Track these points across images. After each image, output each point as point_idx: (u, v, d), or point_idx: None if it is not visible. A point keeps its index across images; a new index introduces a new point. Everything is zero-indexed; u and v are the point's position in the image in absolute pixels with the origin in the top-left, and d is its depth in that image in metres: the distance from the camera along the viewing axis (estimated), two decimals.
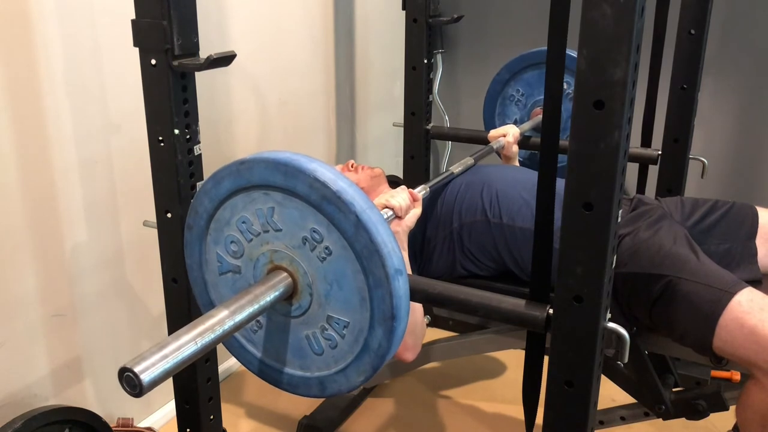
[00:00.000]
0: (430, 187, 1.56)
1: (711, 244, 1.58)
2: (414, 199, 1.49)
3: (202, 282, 1.11)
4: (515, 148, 1.99)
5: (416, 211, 1.49)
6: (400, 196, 1.46)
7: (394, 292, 0.91)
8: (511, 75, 2.35)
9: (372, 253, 0.90)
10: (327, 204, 0.92)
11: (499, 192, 1.63)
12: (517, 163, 2.04)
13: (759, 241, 1.57)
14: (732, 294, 1.31)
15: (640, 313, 1.41)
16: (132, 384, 0.78)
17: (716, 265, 1.41)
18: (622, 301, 1.42)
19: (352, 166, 1.80)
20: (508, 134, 1.98)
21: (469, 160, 1.76)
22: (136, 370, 0.78)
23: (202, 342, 0.85)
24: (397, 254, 0.92)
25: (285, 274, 0.99)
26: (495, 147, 1.94)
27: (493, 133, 2.02)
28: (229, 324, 0.89)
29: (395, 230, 1.42)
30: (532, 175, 1.65)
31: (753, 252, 1.56)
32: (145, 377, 0.78)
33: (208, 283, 1.10)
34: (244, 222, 1.01)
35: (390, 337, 0.93)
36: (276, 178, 0.95)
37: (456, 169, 1.70)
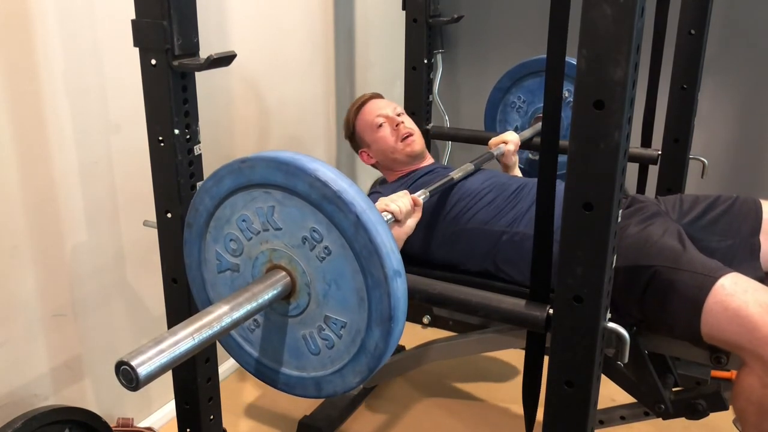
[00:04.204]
0: (430, 192, 1.56)
1: (712, 241, 1.57)
2: (415, 204, 1.49)
3: (201, 280, 1.11)
4: (515, 156, 2.00)
5: (416, 217, 1.49)
6: (401, 201, 1.46)
7: (392, 293, 0.91)
8: (512, 82, 2.35)
9: (371, 253, 0.90)
10: (327, 203, 0.92)
11: (497, 200, 1.65)
12: (518, 171, 2.04)
13: (763, 237, 1.56)
14: (715, 278, 1.31)
15: (634, 309, 1.41)
16: (128, 377, 0.78)
17: (702, 255, 1.41)
18: (615, 297, 1.42)
19: (396, 126, 1.86)
20: (509, 142, 1.98)
21: (469, 166, 1.76)
22: (133, 363, 0.78)
23: (199, 338, 0.86)
24: (396, 255, 0.92)
25: (284, 273, 0.99)
26: (495, 153, 1.95)
27: (493, 140, 2.02)
28: (226, 321, 0.90)
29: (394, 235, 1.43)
30: (533, 185, 1.67)
31: (756, 248, 1.55)
32: (142, 371, 0.78)
33: (206, 281, 1.10)
34: (244, 220, 1.01)
35: (387, 338, 0.93)
36: (277, 177, 0.95)
37: (456, 174, 1.70)
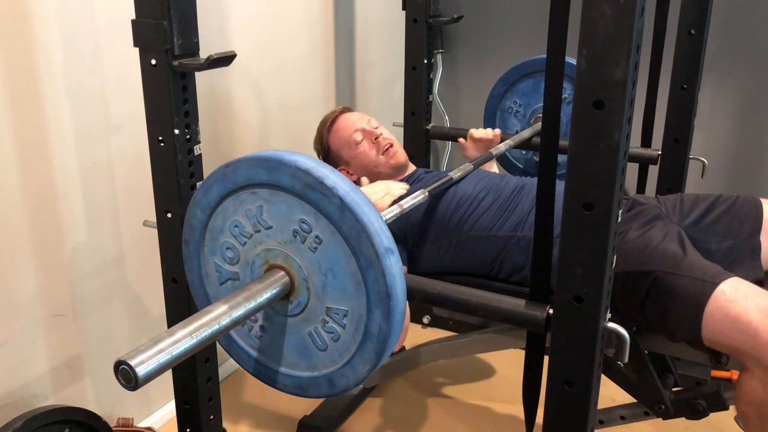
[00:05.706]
0: (429, 192, 1.56)
1: (712, 242, 1.56)
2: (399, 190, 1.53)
3: (205, 296, 1.11)
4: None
5: (401, 187, 1.52)
6: (376, 192, 1.51)
7: (386, 270, 0.91)
8: (506, 87, 2.33)
9: (359, 233, 0.91)
10: (311, 192, 0.92)
11: (496, 202, 1.64)
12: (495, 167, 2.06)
13: (763, 237, 1.55)
14: (715, 284, 1.30)
15: (635, 314, 1.41)
16: (127, 377, 0.78)
17: (703, 259, 1.41)
18: (617, 302, 1.42)
19: (375, 139, 1.80)
20: (491, 133, 2.03)
21: (468, 166, 1.76)
22: (132, 363, 0.78)
23: (198, 337, 0.86)
24: (386, 234, 0.92)
25: (282, 272, 1.00)
26: (495, 153, 1.95)
27: (477, 133, 2.05)
28: (225, 320, 0.90)
29: None
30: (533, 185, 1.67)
31: (757, 249, 1.54)
32: (141, 370, 0.78)
33: (210, 296, 1.10)
34: (236, 226, 1.02)
35: (388, 318, 0.93)
36: (260, 175, 0.96)
37: (455, 174, 1.70)
